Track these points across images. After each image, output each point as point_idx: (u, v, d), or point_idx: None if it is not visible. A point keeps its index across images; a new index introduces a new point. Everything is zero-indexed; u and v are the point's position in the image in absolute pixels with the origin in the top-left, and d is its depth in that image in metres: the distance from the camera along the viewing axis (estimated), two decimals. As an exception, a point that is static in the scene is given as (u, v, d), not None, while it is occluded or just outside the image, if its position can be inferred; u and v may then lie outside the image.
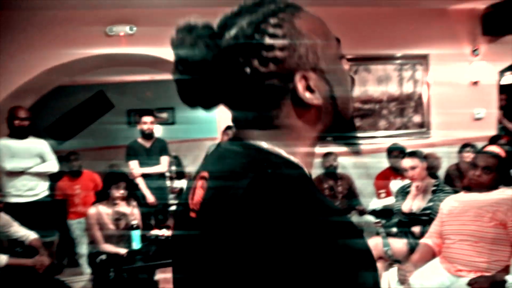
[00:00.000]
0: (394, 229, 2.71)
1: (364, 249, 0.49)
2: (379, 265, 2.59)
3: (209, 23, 0.59)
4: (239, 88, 0.57)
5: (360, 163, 4.28)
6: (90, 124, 6.91)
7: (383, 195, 3.72)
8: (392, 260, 2.52)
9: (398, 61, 4.32)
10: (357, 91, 4.20)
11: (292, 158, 0.58)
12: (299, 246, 0.45)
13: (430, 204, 2.67)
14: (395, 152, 3.80)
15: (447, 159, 4.22)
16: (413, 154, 2.85)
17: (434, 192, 2.72)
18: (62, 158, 3.98)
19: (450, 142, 4.45)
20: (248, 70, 0.54)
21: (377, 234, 2.73)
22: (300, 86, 0.55)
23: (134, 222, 2.90)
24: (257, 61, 0.54)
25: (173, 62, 0.60)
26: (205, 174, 0.59)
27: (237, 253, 0.49)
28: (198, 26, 0.58)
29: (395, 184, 3.72)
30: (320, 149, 3.90)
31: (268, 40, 0.54)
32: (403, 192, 2.89)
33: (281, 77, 0.55)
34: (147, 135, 3.84)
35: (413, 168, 2.76)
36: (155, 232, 3.09)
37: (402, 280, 2.24)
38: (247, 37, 0.54)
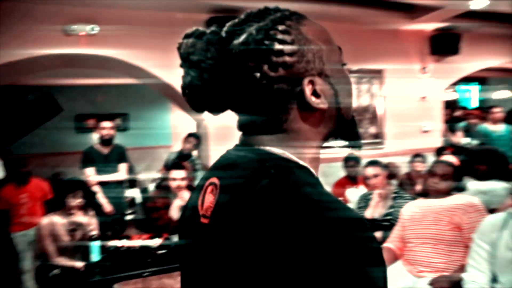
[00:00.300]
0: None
1: (376, 246, 0.51)
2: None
3: (216, 30, 0.61)
4: (248, 93, 0.58)
5: (319, 172, 4.39)
6: (36, 128, 6.45)
7: (342, 202, 3.85)
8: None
9: (356, 75, 4.53)
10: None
11: (302, 163, 0.59)
12: (320, 251, 0.47)
13: (391, 210, 2.81)
14: (351, 161, 3.95)
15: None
16: (375, 163, 2.98)
17: (394, 199, 2.86)
18: (7, 163, 3.67)
19: (402, 152, 4.73)
20: (258, 74, 0.56)
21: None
22: (307, 90, 0.57)
23: (94, 233, 2.73)
24: (267, 66, 0.56)
25: (183, 67, 0.61)
26: (215, 180, 0.60)
27: (256, 258, 0.49)
28: (207, 32, 0.60)
29: (352, 192, 3.86)
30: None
31: (277, 46, 0.56)
32: (365, 200, 3.01)
33: (289, 82, 0.57)
34: (106, 141, 3.67)
35: (375, 176, 2.89)
36: (114, 243, 2.93)
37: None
38: (257, 42, 0.56)
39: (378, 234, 2.77)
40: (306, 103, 0.58)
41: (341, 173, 4.34)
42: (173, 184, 3.29)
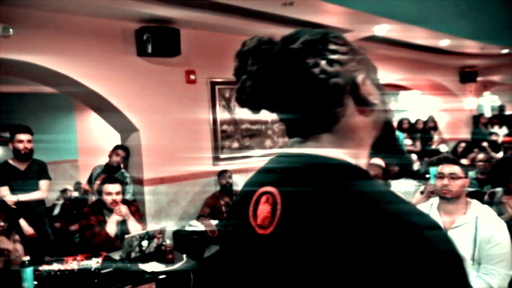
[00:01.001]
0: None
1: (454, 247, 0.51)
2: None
3: (271, 39, 0.66)
4: (307, 90, 0.60)
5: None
6: None
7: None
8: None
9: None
10: (246, 113, 4.50)
11: (363, 167, 0.61)
12: (411, 264, 0.47)
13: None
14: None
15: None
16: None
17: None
18: None
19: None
20: (316, 70, 0.59)
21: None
22: (361, 84, 0.62)
23: (26, 259, 2.43)
24: (325, 62, 0.60)
25: (240, 75, 0.65)
26: (271, 189, 0.60)
27: (341, 269, 0.49)
28: (264, 40, 0.65)
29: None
30: (214, 168, 4.02)
31: (332, 46, 0.61)
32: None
33: (344, 77, 0.60)
34: (23, 156, 3.27)
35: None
36: (46, 267, 2.65)
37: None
38: (314, 42, 0.61)
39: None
40: (360, 98, 0.62)
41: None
42: (107, 199, 3.11)
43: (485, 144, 5.59)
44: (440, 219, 2.18)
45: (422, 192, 2.98)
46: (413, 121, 7.41)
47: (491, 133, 7.86)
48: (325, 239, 0.51)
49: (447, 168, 2.23)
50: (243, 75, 0.65)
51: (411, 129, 7.14)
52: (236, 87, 0.66)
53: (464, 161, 4.14)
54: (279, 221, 0.57)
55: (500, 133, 8.11)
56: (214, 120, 4.26)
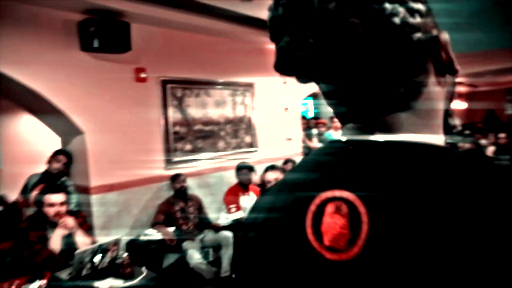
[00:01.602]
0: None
1: None
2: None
3: None
4: (383, 47, 0.44)
5: (203, 183, 4.40)
6: None
7: (233, 209, 3.95)
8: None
9: (232, 87, 4.74)
10: (199, 114, 4.34)
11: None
12: None
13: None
14: (244, 169, 4.11)
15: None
16: (274, 167, 3.20)
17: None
18: None
19: (273, 159, 5.16)
20: (397, 20, 0.44)
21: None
22: (446, 45, 0.47)
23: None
24: (405, 10, 0.44)
25: (283, 38, 0.47)
26: (344, 193, 0.42)
27: None
28: None
29: (245, 200, 4.03)
30: (167, 172, 3.79)
31: None
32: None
33: (426, 32, 0.46)
34: None
35: (276, 180, 3.09)
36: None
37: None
38: None
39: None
40: (443, 63, 0.47)
41: (227, 181, 4.46)
42: (50, 210, 2.76)
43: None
44: None
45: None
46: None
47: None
48: (459, 261, 0.35)
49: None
50: (288, 31, 0.46)
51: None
52: (280, 48, 0.47)
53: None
54: (368, 239, 0.39)
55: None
56: (166, 121, 4.02)
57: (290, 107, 5.59)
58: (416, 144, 0.44)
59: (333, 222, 0.41)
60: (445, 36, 0.46)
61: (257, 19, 4.10)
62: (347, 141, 0.47)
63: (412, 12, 0.45)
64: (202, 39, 4.35)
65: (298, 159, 5.39)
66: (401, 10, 0.44)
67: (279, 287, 0.45)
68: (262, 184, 3.42)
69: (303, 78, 0.49)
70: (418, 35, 0.45)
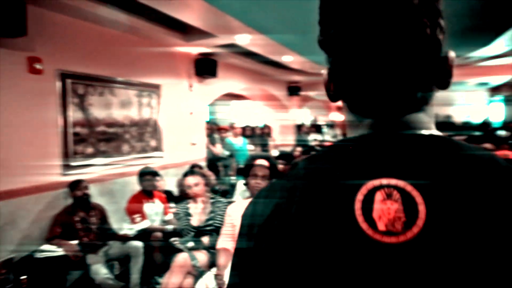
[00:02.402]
0: (190, 244, 2.83)
1: None
2: (189, 280, 2.63)
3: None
4: (423, 59, 0.50)
5: (105, 190, 4.01)
6: None
7: (138, 219, 3.68)
8: (199, 271, 2.63)
9: (138, 88, 4.45)
10: (102, 114, 3.96)
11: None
12: None
13: (212, 215, 3.00)
14: (147, 175, 3.85)
15: (175, 178, 4.73)
16: (194, 172, 3.10)
17: (213, 204, 3.08)
18: None
19: (178, 164, 5.02)
20: (440, 36, 0.51)
21: (180, 250, 2.74)
22: (451, 62, 0.52)
23: None
24: (439, 27, 0.51)
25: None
26: (394, 181, 0.46)
27: None
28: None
29: (149, 207, 3.79)
30: (65, 178, 3.38)
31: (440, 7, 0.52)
32: (184, 209, 3.06)
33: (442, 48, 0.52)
34: None
35: (196, 185, 3.00)
36: None
37: (220, 284, 2.41)
38: (430, 2, 0.50)
39: (205, 239, 2.90)
40: (447, 72, 0.52)
41: (130, 188, 4.14)
42: None
43: (318, 148, 6.54)
44: None
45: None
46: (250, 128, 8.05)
47: (315, 139, 9.29)
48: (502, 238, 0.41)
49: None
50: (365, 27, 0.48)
51: (253, 135, 7.73)
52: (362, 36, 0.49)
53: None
54: (426, 220, 0.43)
55: (317, 138, 9.69)
56: (65, 121, 3.55)
57: (195, 111, 5.51)
58: (441, 137, 0.50)
59: (386, 208, 0.45)
60: (452, 54, 0.52)
61: (170, 19, 3.96)
62: (377, 136, 0.51)
63: (442, 29, 0.51)
64: (109, 33, 4.00)
65: (203, 164, 5.35)
66: (436, 28, 0.50)
67: (336, 278, 0.45)
68: (181, 190, 3.27)
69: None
70: (442, 49, 0.51)
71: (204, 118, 5.89)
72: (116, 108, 4.13)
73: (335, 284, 0.45)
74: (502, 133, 8.02)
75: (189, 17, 3.94)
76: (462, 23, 5.38)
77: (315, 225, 0.47)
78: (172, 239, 2.82)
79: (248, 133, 7.65)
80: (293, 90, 9.42)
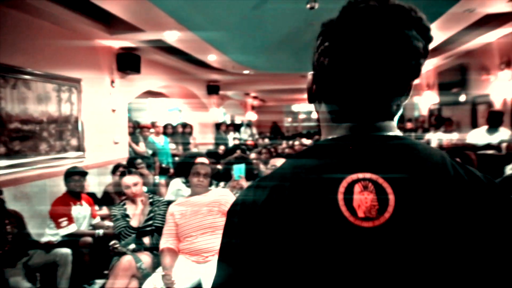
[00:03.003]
0: (132, 246, 2.73)
1: None
2: (134, 283, 2.54)
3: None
4: (408, 73, 0.58)
5: (21, 194, 3.62)
6: None
7: (64, 223, 3.42)
8: (144, 273, 2.56)
9: (57, 81, 4.08)
10: (16, 109, 3.55)
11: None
12: None
13: (151, 215, 2.94)
14: (75, 175, 3.58)
15: (98, 179, 4.48)
16: (131, 171, 2.99)
17: (151, 204, 3.01)
18: None
19: (101, 164, 4.74)
20: (420, 45, 0.58)
21: (122, 254, 2.63)
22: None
23: None
24: (425, 41, 0.59)
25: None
26: (370, 175, 0.55)
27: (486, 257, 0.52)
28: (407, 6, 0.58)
29: (76, 210, 3.54)
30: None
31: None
32: (121, 211, 2.94)
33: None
34: None
35: (135, 184, 2.91)
36: None
37: (169, 284, 2.40)
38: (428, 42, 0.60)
39: (146, 240, 2.83)
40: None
41: (48, 190, 3.80)
42: None
43: (243, 146, 6.71)
44: None
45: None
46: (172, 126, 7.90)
47: (235, 138, 9.46)
48: (455, 224, 0.52)
49: (278, 161, 2.66)
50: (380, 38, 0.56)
51: (174, 133, 7.59)
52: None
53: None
54: (394, 210, 0.53)
55: (237, 136, 9.90)
56: (-29, 117, 3.12)
57: (117, 108, 5.24)
58: (405, 138, 0.61)
59: (364, 198, 0.54)
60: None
61: (94, 9, 3.73)
62: (354, 137, 0.60)
63: (429, 41, 0.59)
64: (25, 19, 3.60)
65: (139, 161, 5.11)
66: (422, 46, 0.58)
67: (326, 258, 0.53)
68: (119, 191, 3.09)
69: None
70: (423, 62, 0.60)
71: (126, 116, 5.63)
72: (32, 103, 3.74)
73: (326, 262, 0.53)
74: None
75: (116, 8, 3.76)
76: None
77: (306, 215, 0.54)
78: (112, 242, 2.69)
79: (170, 131, 7.48)
80: (212, 89, 9.48)
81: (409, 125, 9.80)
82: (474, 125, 6.34)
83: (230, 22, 4.51)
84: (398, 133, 0.62)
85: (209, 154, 4.87)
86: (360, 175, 0.55)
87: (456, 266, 0.51)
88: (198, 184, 2.84)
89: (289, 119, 17.35)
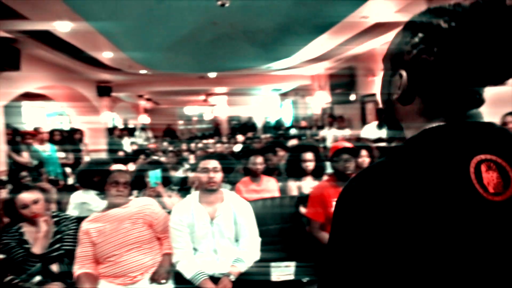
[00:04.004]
0: (37, 278, 2.23)
1: None
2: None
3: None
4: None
5: None
6: None
7: None
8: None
9: None
10: None
11: None
12: None
13: (58, 236, 2.47)
14: None
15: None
16: (31, 187, 2.45)
17: (57, 223, 2.52)
18: None
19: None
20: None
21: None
22: None
23: None
24: None
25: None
26: (489, 156, 0.62)
27: None
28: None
29: None
30: None
31: None
32: (16, 236, 2.39)
33: None
34: None
35: (35, 202, 2.40)
36: None
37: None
38: None
39: (55, 268, 2.36)
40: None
41: None
42: None
43: (147, 151, 6.22)
44: (204, 210, 2.40)
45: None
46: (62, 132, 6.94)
47: (132, 143, 8.76)
48: None
49: (211, 163, 2.48)
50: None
51: (63, 140, 6.66)
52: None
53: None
54: None
55: (133, 141, 9.22)
56: None
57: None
58: (496, 124, 0.68)
59: (490, 176, 0.61)
60: None
61: None
62: (461, 124, 0.67)
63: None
64: None
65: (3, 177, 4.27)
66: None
67: (463, 238, 0.58)
68: (11, 208, 2.44)
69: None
70: None
71: (2, 121, 4.71)
72: None
73: (468, 239, 0.58)
74: (293, 131, 9.71)
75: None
76: (270, 37, 6.23)
77: (442, 196, 0.59)
78: (8, 278, 2.16)
79: (57, 138, 6.53)
80: (104, 90, 8.66)
81: (303, 123, 10.48)
82: (364, 121, 7.06)
83: (133, 14, 4.13)
84: (485, 119, 0.67)
85: (118, 160, 4.35)
86: (483, 156, 0.61)
87: None
88: (118, 194, 2.49)
89: (181, 122, 16.98)
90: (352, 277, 0.61)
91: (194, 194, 2.56)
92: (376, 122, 5.84)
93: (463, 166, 0.61)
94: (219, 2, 4.05)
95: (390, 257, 0.59)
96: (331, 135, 7.56)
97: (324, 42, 6.03)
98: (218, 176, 2.47)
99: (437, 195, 0.59)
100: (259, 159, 3.69)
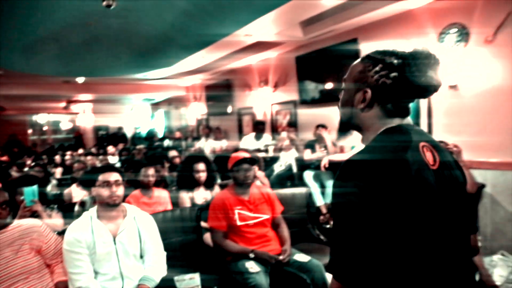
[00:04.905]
0: None
1: None
2: None
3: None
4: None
5: None
6: None
7: None
8: None
9: None
10: None
11: None
12: None
13: None
14: None
15: None
16: None
17: None
18: None
19: None
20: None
21: None
22: None
23: None
24: None
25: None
26: (426, 144, 1.00)
27: None
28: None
29: None
30: None
31: None
32: None
33: None
34: None
35: None
36: None
37: None
38: None
39: None
40: None
41: None
42: None
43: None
44: (105, 227, 2.22)
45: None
46: None
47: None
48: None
49: (113, 176, 2.30)
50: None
51: None
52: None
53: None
54: (440, 161, 0.99)
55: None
56: None
57: None
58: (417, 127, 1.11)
59: (429, 154, 0.99)
60: None
61: None
62: (411, 126, 1.06)
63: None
64: None
65: None
66: None
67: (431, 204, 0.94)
68: None
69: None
70: None
71: None
72: None
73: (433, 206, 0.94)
74: (167, 142, 9.49)
75: None
76: (150, 45, 6.05)
77: (414, 165, 0.93)
78: None
79: None
80: None
81: (177, 134, 10.36)
82: (241, 133, 7.43)
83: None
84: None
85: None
86: (423, 143, 0.99)
87: None
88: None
89: (31, 131, 14.73)
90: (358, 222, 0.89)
91: (92, 210, 2.32)
92: (253, 134, 6.23)
93: (417, 148, 0.97)
94: (104, 3, 3.80)
95: (384, 202, 0.89)
96: (208, 146, 7.69)
97: (204, 55, 6.17)
98: (120, 190, 2.31)
99: (409, 163, 0.92)
100: (151, 171, 3.56)
